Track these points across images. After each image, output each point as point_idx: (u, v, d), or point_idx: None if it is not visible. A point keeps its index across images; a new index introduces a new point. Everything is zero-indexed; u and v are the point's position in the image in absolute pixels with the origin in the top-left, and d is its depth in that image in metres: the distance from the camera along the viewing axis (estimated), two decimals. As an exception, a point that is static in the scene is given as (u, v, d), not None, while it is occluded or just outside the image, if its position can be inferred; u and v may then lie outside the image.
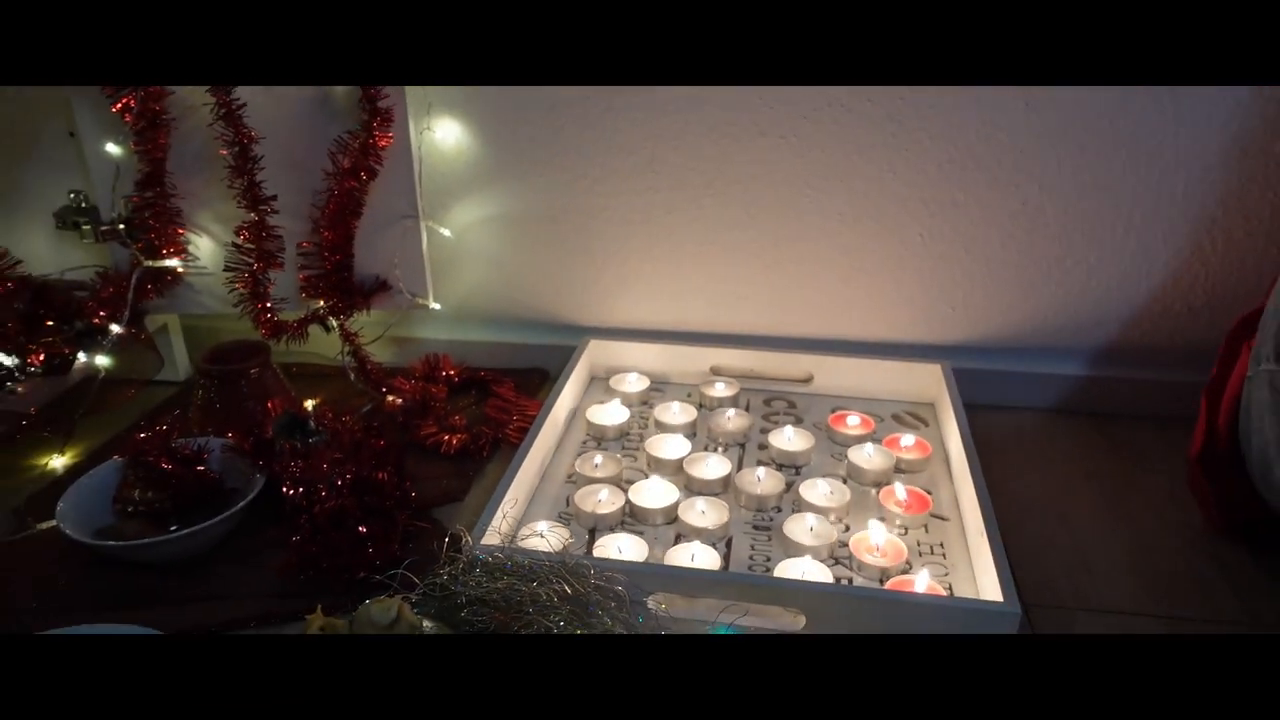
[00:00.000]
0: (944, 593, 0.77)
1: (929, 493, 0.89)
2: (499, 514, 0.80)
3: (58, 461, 1.00)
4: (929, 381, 1.07)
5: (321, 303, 1.08)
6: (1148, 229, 1.03)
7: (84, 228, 1.06)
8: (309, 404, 1.03)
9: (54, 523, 0.83)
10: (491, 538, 0.77)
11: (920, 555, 0.83)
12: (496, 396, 1.12)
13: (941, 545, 0.84)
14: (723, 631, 0.71)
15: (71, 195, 1.06)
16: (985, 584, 0.75)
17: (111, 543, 0.82)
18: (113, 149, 1.01)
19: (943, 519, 0.88)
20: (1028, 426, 1.09)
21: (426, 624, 0.69)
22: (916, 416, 1.06)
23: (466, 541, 0.75)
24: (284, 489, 0.86)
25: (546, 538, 0.79)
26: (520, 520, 0.86)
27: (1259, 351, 0.78)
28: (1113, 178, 1.00)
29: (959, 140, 1.01)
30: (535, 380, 1.18)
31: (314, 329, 1.09)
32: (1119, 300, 1.07)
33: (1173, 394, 1.08)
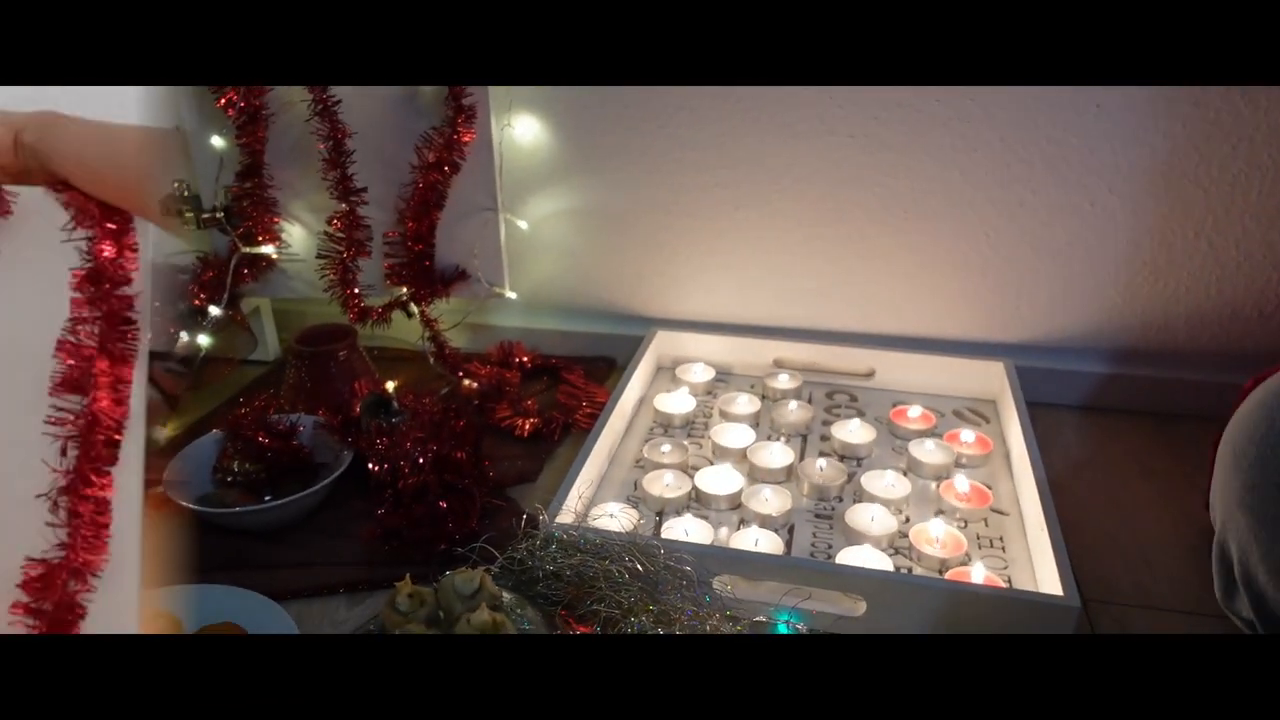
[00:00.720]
0: (1003, 584, 0.79)
1: (989, 487, 0.91)
2: (573, 494, 0.84)
3: (161, 433, 1.06)
4: (991, 379, 1.08)
5: (404, 290, 1.13)
6: (1220, 232, 1.02)
7: (187, 215, 1.12)
8: (390, 385, 1.08)
9: (160, 489, 0.89)
10: (566, 516, 0.81)
11: (980, 548, 0.85)
12: (567, 383, 1.16)
13: (1001, 539, 0.86)
14: (785, 615, 0.74)
15: (176, 184, 1.13)
16: (1044, 577, 0.76)
17: (214, 509, 0.88)
18: (216, 141, 1.07)
19: (1002, 514, 0.89)
20: (1089, 425, 1.10)
21: (505, 595, 0.73)
22: (977, 413, 1.07)
23: (543, 519, 0.79)
24: (369, 464, 0.91)
25: (618, 518, 0.82)
26: (591, 501, 0.90)
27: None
28: (1185, 180, 1.00)
29: (1028, 141, 1.01)
30: (603, 368, 1.22)
31: (396, 314, 1.14)
32: (1187, 303, 1.06)
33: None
